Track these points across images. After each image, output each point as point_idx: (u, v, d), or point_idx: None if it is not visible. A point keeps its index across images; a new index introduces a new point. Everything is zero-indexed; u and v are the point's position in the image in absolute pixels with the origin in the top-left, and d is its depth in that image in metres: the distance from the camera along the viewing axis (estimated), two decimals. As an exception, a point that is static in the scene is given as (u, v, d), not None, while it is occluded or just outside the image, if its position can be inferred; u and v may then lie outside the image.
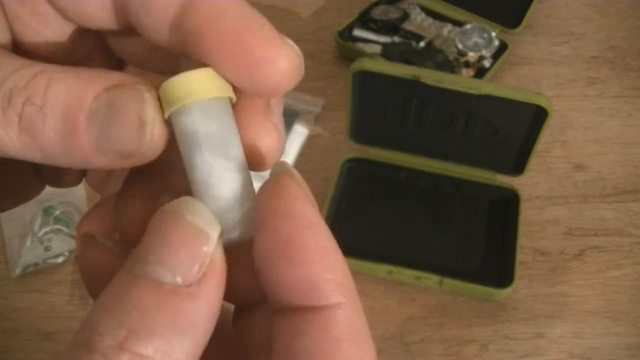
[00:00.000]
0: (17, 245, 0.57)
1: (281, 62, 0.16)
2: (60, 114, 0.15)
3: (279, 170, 0.17)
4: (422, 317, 0.55)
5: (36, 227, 0.58)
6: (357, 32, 0.76)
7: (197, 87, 0.16)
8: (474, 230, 0.60)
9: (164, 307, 0.15)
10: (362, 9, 0.78)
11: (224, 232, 0.17)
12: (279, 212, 0.16)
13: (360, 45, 0.75)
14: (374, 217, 0.61)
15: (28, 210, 0.59)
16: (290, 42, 0.16)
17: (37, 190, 0.23)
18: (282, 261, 0.16)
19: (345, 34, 0.76)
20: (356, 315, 0.17)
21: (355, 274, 0.55)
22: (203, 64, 0.16)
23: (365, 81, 0.57)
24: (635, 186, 0.65)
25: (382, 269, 0.55)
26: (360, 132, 0.62)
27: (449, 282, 0.55)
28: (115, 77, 0.16)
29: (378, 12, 0.77)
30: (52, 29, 0.18)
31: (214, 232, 0.16)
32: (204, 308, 0.15)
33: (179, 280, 0.15)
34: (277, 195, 0.16)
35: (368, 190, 0.63)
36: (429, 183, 0.63)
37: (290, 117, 0.69)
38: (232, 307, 0.20)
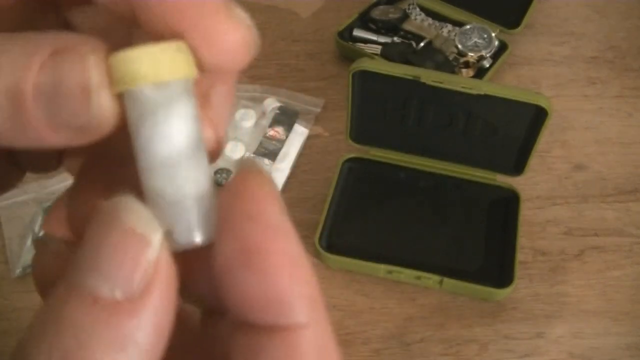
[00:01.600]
0: (17, 245, 0.57)
1: (234, 37, 0.14)
2: (5, 92, 0.13)
3: (246, 167, 0.15)
4: (422, 317, 0.55)
5: (36, 227, 0.58)
6: (357, 32, 0.76)
7: (154, 65, 0.14)
8: (474, 230, 0.60)
9: (102, 325, 0.13)
10: (362, 9, 0.78)
11: (178, 235, 0.15)
12: (243, 214, 0.14)
13: (360, 45, 0.75)
14: (374, 217, 0.61)
15: (28, 210, 0.59)
16: (241, 13, 0.15)
17: (17, 178, 0.21)
18: (245, 271, 0.14)
19: (345, 34, 0.76)
20: (326, 336, 0.15)
21: (355, 274, 0.55)
22: (159, 36, 0.14)
23: (365, 81, 0.57)
24: (635, 186, 0.65)
25: (382, 269, 0.55)
26: (360, 132, 0.62)
27: (449, 282, 0.55)
28: (61, 40, 0.14)
29: (378, 13, 0.77)
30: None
31: (154, 236, 0.14)
32: (148, 323, 0.14)
33: (117, 294, 0.13)
34: (241, 195, 0.14)
35: (368, 190, 0.63)
36: (429, 183, 0.63)
37: (290, 117, 0.69)
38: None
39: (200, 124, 0.15)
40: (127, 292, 0.13)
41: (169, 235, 0.15)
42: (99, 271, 0.13)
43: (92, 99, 0.13)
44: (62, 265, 0.17)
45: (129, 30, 0.16)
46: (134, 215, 0.14)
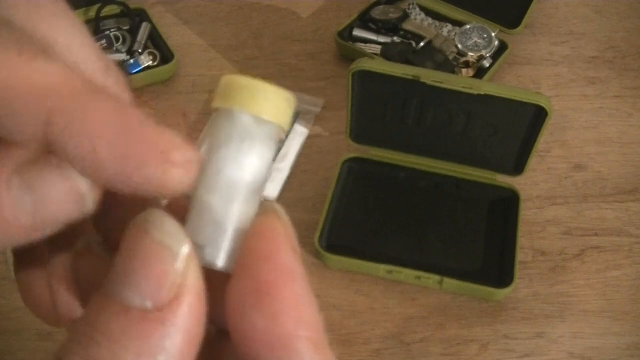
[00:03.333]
0: (17, 246, 0.57)
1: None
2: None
3: (267, 210, 0.16)
4: (422, 317, 0.55)
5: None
6: (357, 32, 0.76)
7: (264, 101, 0.15)
8: (474, 230, 0.60)
9: (134, 334, 0.14)
10: (362, 9, 0.78)
11: (206, 253, 0.15)
12: (259, 254, 0.15)
13: (360, 45, 0.75)
14: (374, 217, 0.61)
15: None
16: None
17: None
18: (255, 311, 0.15)
19: (345, 34, 0.76)
20: None
21: (355, 274, 0.55)
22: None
23: (365, 81, 0.57)
24: (635, 186, 0.65)
25: (382, 269, 0.55)
26: (360, 132, 0.62)
27: (449, 282, 0.55)
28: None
29: (378, 13, 0.77)
30: None
31: (181, 248, 0.15)
32: (177, 333, 0.14)
33: (148, 304, 0.14)
34: (259, 236, 0.15)
35: (368, 190, 0.63)
36: (429, 183, 0.63)
37: (290, 117, 0.69)
38: None
39: (270, 171, 0.16)
40: (157, 302, 0.14)
41: (198, 249, 0.15)
42: (130, 282, 0.14)
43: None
44: (102, 267, 0.18)
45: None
46: (162, 228, 0.15)
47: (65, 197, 0.15)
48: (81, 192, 0.15)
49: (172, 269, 0.14)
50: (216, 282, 0.16)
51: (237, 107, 0.15)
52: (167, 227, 0.15)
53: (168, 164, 0.14)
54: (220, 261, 0.16)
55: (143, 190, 0.14)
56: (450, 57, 0.73)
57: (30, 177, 0.14)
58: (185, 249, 0.15)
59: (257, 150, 0.15)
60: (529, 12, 0.77)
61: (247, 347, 0.15)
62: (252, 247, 0.15)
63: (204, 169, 0.15)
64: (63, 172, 0.15)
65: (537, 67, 0.77)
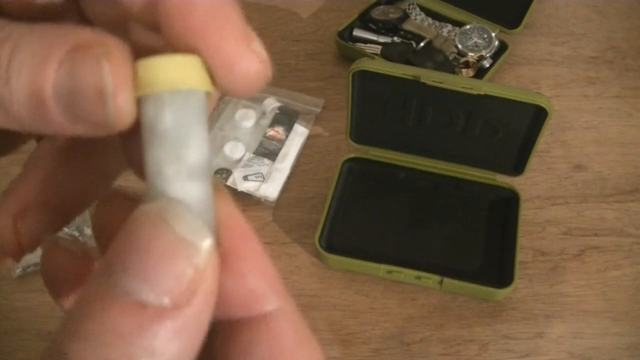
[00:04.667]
0: (17, 245, 0.57)
1: (248, 68, 0.15)
2: (26, 89, 0.14)
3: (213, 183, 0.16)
4: (422, 317, 0.55)
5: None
6: (357, 33, 0.76)
7: (175, 74, 0.14)
8: (474, 230, 0.60)
9: (150, 333, 0.13)
10: (362, 9, 0.78)
11: None
12: (219, 223, 0.15)
13: (360, 45, 0.75)
14: (374, 217, 0.61)
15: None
16: (258, 46, 0.15)
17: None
18: (223, 271, 0.15)
19: (345, 34, 0.76)
20: (297, 317, 0.16)
21: (355, 274, 0.55)
22: (171, 46, 0.15)
23: (365, 81, 0.57)
24: (635, 186, 0.65)
25: (382, 269, 0.56)
26: (360, 132, 0.62)
27: (449, 282, 0.55)
28: (78, 36, 0.14)
29: (378, 13, 0.77)
30: None
31: (204, 244, 0.14)
32: (193, 328, 0.14)
33: (166, 301, 0.13)
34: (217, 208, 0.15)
35: (368, 190, 0.63)
36: (429, 183, 0.63)
37: (290, 117, 0.69)
38: None
39: (208, 141, 0.15)
40: (175, 301, 0.13)
41: None
42: (146, 277, 0.13)
43: (107, 101, 0.14)
44: (76, 262, 0.17)
45: (139, 29, 0.16)
46: (184, 222, 0.14)
47: (97, 96, 0.14)
48: (104, 91, 0.14)
49: (194, 265, 0.14)
50: None
51: (149, 90, 0.14)
52: (189, 221, 0.14)
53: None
54: None
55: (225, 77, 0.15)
56: (450, 57, 0.73)
57: (78, 62, 0.14)
58: (207, 244, 0.14)
59: (187, 121, 0.14)
60: (529, 12, 0.77)
61: (223, 311, 0.15)
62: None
63: (145, 156, 0.15)
64: (93, 61, 0.14)
65: (537, 67, 0.77)
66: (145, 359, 0.13)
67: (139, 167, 0.15)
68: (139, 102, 0.14)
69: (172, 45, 0.15)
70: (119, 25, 0.16)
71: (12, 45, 0.14)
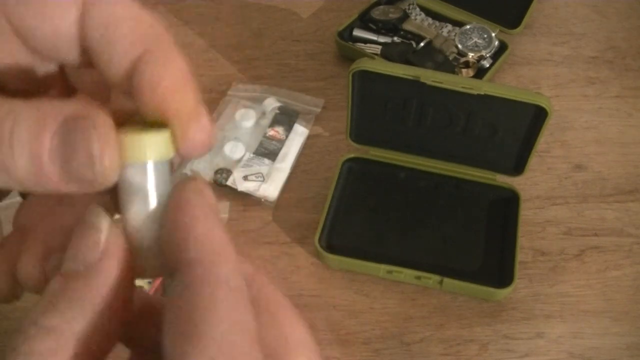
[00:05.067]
0: (17, 245, 0.57)
1: (200, 141, 0.19)
2: (27, 155, 0.17)
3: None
4: (422, 317, 0.55)
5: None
6: (357, 33, 0.76)
7: (155, 149, 0.18)
8: (474, 230, 0.60)
9: (66, 289, 0.18)
10: (362, 9, 0.78)
11: (143, 259, 0.20)
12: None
13: (360, 45, 0.75)
14: (374, 217, 0.61)
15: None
16: (206, 120, 0.20)
17: None
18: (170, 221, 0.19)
19: (345, 34, 0.76)
20: (233, 267, 0.19)
21: (355, 274, 0.55)
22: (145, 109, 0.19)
23: (365, 81, 0.57)
24: (635, 186, 0.65)
25: (382, 269, 0.56)
26: (360, 132, 0.62)
27: (449, 282, 0.55)
28: (69, 108, 0.17)
29: (378, 13, 0.77)
30: (17, 58, 0.20)
31: (103, 223, 0.19)
32: (102, 284, 0.18)
33: (81, 267, 0.18)
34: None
35: (368, 190, 0.63)
36: (429, 183, 0.63)
37: (290, 117, 0.69)
38: None
39: (169, 189, 0.19)
40: (87, 265, 0.18)
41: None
42: (71, 255, 0.19)
43: (96, 164, 0.17)
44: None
45: (117, 93, 0.20)
46: (91, 212, 0.19)
47: (87, 160, 0.17)
48: (93, 155, 0.17)
49: (96, 238, 0.19)
50: None
51: (132, 161, 0.18)
52: (93, 210, 0.19)
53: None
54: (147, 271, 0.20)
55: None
56: (450, 57, 0.73)
57: (70, 133, 0.17)
58: (105, 223, 0.19)
59: (153, 183, 0.19)
60: (529, 12, 0.77)
61: (174, 248, 0.19)
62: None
63: (123, 208, 0.19)
64: (85, 130, 0.17)
65: (537, 67, 0.77)
66: (63, 305, 0.18)
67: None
68: (126, 169, 0.18)
69: (142, 110, 0.19)
70: (99, 92, 0.21)
71: (13, 120, 0.17)
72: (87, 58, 0.19)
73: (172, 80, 0.18)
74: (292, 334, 0.20)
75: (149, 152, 0.18)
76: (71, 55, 0.19)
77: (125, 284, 0.19)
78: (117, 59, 0.18)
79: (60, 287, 0.18)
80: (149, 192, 0.19)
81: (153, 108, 0.18)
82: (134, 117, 0.19)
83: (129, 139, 0.18)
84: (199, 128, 0.19)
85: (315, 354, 0.20)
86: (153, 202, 0.19)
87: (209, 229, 0.19)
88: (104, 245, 0.18)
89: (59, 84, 0.22)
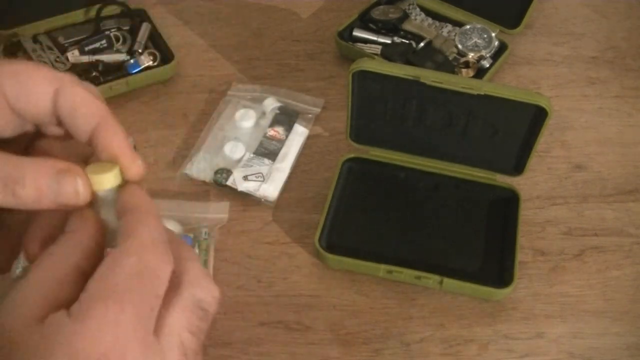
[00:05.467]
0: (17, 245, 0.57)
1: (136, 174, 0.30)
2: (32, 193, 0.27)
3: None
4: (422, 317, 0.55)
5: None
6: (357, 33, 0.76)
7: (111, 181, 0.29)
8: (474, 230, 0.60)
9: (60, 239, 0.28)
10: (362, 9, 0.78)
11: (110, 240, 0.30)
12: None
13: (360, 45, 0.75)
14: (374, 217, 0.61)
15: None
16: (139, 160, 0.30)
17: None
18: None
19: (345, 34, 0.76)
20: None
21: (355, 274, 0.55)
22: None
23: (365, 81, 0.57)
24: (635, 186, 0.65)
25: (382, 269, 0.56)
26: (360, 132, 0.62)
27: (449, 282, 0.55)
28: (59, 165, 0.28)
29: (378, 13, 0.77)
30: (8, 123, 0.30)
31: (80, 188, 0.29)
32: (83, 238, 0.29)
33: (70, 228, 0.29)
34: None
35: (368, 190, 0.63)
36: (429, 183, 0.63)
37: (290, 117, 0.69)
38: None
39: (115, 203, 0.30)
40: (74, 228, 0.29)
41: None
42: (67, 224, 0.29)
43: (80, 196, 0.28)
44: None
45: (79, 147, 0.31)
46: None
47: (69, 192, 0.28)
48: (78, 191, 0.28)
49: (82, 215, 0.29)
50: None
51: (97, 189, 0.29)
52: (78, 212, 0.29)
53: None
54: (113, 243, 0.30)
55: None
56: (450, 57, 0.73)
57: (61, 180, 0.28)
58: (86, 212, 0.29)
59: (111, 201, 0.30)
60: (529, 12, 0.77)
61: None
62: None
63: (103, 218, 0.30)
64: (72, 178, 0.28)
65: (537, 67, 0.77)
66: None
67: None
68: (98, 193, 0.29)
69: (99, 156, 0.29)
70: (66, 143, 0.31)
71: (23, 170, 0.27)
72: (57, 121, 0.30)
73: (117, 143, 0.29)
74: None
75: (106, 183, 0.29)
76: (46, 119, 0.30)
77: (98, 246, 0.28)
78: (80, 129, 0.29)
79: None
80: (108, 202, 0.30)
81: (105, 157, 0.29)
82: (93, 158, 0.31)
83: (96, 178, 0.29)
84: (135, 166, 0.29)
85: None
86: (110, 205, 0.30)
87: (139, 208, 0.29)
88: (85, 221, 0.29)
89: (32, 136, 0.32)
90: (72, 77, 0.30)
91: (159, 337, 0.25)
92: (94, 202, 0.29)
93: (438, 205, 0.62)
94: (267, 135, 0.67)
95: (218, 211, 0.61)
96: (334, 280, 0.57)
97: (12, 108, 0.29)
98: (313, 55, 0.77)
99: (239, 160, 0.64)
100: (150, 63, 0.72)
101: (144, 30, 0.75)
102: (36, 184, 0.27)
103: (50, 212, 0.29)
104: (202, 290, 0.27)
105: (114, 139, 0.29)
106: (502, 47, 0.75)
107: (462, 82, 0.56)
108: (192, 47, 0.78)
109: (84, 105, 0.29)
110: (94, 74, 0.70)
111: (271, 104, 0.69)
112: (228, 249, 0.59)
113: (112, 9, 0.77)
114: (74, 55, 0.71)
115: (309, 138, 0.68)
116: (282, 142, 0.67)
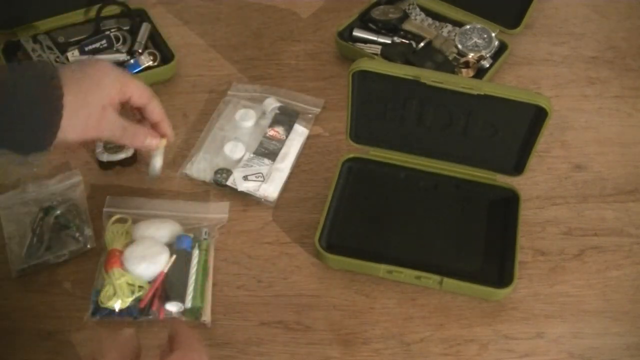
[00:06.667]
0: (17, 245, 0.57)
1: (171, 134, 0.58)
2: (139, 141, 0.56)
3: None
4: (422, 317, 0.55)
5: (36, 227, 0.58)
6: (357, 33, 0.76)
7: (163, 142, 0.58)
8: (474, 230, 0.60)
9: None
10: (362, 9, 0.78)
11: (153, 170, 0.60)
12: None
13: (360, 45, 0.75)
14: (374, 217, 0.61)
15: (28, 210, 0.59)
16: (169, 126, 0.58)
17: None
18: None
19: (345, 34, 0.76)
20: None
21: (355, 274, 0.55)
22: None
23: (365, 81, 0.57)
24: (635, 186, 0.65)
25: (382, 269, 0.56)
26: (360, 132, 0.62)
27: (449, 282, 0.55)
28: (150, 131, 0.56)
29: (378, 13, 0.77)
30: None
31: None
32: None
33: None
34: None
35: (368, 190, 0.63)
36: (429, 183, 0.63)
37: (290, 117, 0.69)
38: None
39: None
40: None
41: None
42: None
43: (154, 146, 0.57)
44: None
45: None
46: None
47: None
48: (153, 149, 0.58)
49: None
50: None
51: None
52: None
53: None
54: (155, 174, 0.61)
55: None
56: (450, 57, 0.73)
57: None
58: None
59: (161, 153, 0.60)
60: (529, 12, 0.77)
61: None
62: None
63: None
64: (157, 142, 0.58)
65: (537, 67, 0.77)
66: None
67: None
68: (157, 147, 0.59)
69: (148, 118, 0.57)
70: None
71: (136, 133, 0.56)
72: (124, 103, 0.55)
73: (158, 117, 0.56)
74: None
75: (162, 143, 0.56)
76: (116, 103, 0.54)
77: None
78: (136, 104, 0.55)
79: None
80: (159, 152, 0.57)
81: (153, 120, 0.56)
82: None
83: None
84: (169, 129, 0.57)
85: None
86: (159, 154, 0.57)
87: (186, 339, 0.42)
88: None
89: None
90: (129, 75, 0.55)
91: None
92: (155, 150, 0.58)
93: (438, 205, 0.62)
94: (267, 135, 0.67)
95: (218, 211, 0.61)
96: (334, 280, 0.57)
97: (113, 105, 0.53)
98: (313, 55, 0.77)
99: (239, 160, 0.64)
100: (150, 63, 0.72)
101: (144, 30, 0.75)
102: (141, 138, 0.55)
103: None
104: None
105: (158, 111, 0.56)
106: (502, 47, 0.75)
107: (462, 82, 0.56)
108: (192, 47, 0.78)
109: (136, 93, 0.53)
110: (94, 74, 0.70)
111: (271, 104, 0.69)
112: (228, 249, 0.59)
113: (112, 9, 0.77)
114: (74, 55, 0.71)
115: (309, 138, 0.68)
116: (282, 142, 0.67)
